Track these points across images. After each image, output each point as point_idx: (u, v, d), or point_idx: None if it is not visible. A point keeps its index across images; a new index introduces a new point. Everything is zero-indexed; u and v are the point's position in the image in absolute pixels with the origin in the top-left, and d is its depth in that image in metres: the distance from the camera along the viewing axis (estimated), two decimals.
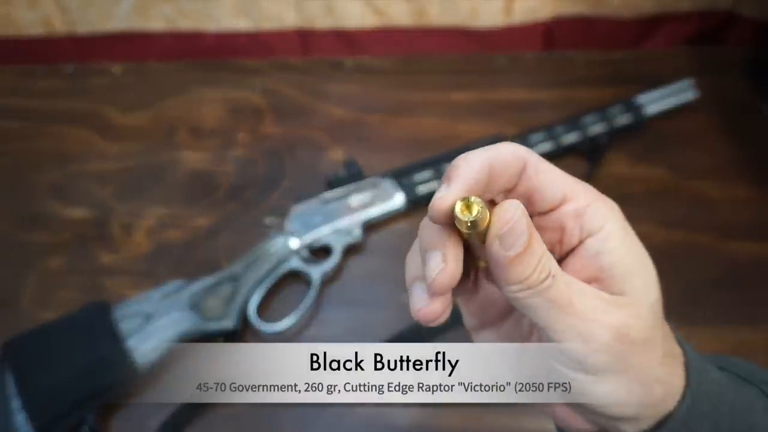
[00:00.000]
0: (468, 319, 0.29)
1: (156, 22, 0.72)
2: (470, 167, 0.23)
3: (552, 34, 0.74)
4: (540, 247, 0.22)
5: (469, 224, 0.22)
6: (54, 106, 0.70)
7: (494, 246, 0.22)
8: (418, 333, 0.55)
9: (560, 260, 0.26)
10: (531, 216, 0.25)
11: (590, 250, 0.25)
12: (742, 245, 0.60)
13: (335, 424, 0.52)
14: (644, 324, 0.23)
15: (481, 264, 0.26)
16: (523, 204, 0.24)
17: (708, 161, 0.66)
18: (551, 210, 0.25)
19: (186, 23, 0.72)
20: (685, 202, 0.63)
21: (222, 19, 0.72)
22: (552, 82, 0.72)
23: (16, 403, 0.48)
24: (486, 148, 0.24)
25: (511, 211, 0.22)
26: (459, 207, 0.22)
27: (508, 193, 0.25)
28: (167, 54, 0.74)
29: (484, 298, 0.28)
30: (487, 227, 0.22)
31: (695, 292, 0.57)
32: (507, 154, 0.24)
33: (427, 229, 0.24)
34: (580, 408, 0.25)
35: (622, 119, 0.65)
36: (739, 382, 0.27)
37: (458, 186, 0.22)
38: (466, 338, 0.56)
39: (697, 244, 0.60)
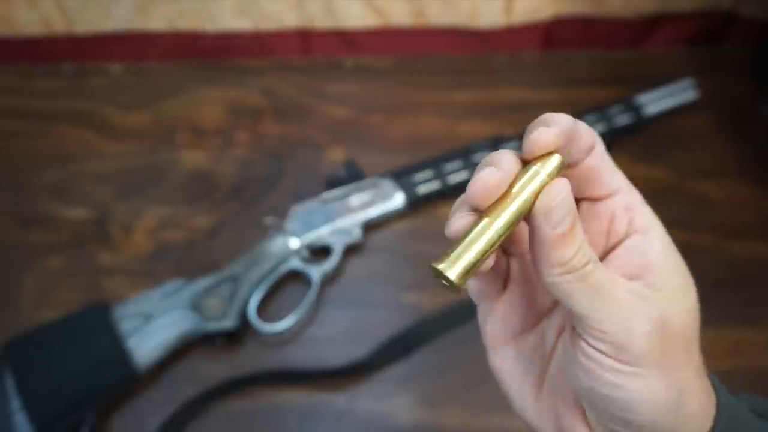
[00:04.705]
0: (492, 330, 0.28)
1: (156, 22, 0.71)
2: (563, 120, 0.23)
3: (552, 34, 0.74)
4: (581, 233, 0.23)
5: (555, 166, 0.23)
6: (54, 106, 0.70)
7: (539, 221, 0.22)
8: (418, 333, 0.55)
9: (605, 254, 0.26)
10: (584, 199, 0.26)
11: (635, 246, 0.25)
12: (742, 245, 0.60)
13: (335, 424, 0.52)
14: (683, 322, 0.23)
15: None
16: (582, 183, 0.25)
17: (708, 161, 0.66)
18: (604, 198, 0.25)
19: (186, 23, 0.72)
20: (686, 202, 0.63)
21: (222, 19, 0.72)
22: (552, 82, 0.72)
23: (16, 403, 0.48)
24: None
25: (560, 186, 0.22)
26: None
27: (572, 167, 0.25)
28: (167, 54, 0.74)
29: (510, 303, 0.28)
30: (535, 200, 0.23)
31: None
32: (585, 130, 0.24)
33: (498, 158, 0.24)
34: (608, 417, 0.24)
35: (622, 119, 0.65)
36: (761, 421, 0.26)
37: (558, 129, 0.23)
38: (464, 340, 0.56)
39: (697, 244, 0.60)
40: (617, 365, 0.23)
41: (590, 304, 0.22)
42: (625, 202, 0.25)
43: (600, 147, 0.25)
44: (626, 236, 0.25)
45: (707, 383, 0.25)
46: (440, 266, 0.23)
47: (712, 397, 0.25)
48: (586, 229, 0.26)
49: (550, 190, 0.22)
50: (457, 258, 0.23)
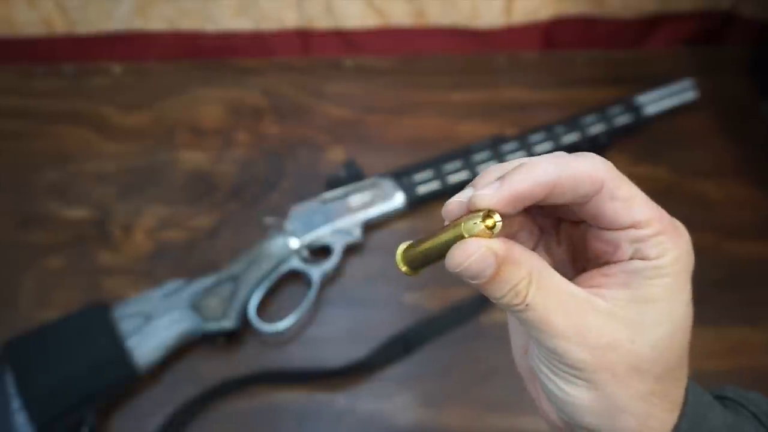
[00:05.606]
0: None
1: (156, 23, 0.71)
2: (532, 179, 0.22)
3: (552, 34, 0.74)
4: (514, 276, 0.22)
5: (464, 234, 0.22)
6: (54, 106, 0.70)
7: (456, 273, 0.22)
8: (418, 333, 0.55)
9: (605, 263, 0.25)
10: (593, 225, 0.25)
11: (633, 266, 0.24)
12: (741, 245, 0.60)
13: (335, 424, 0.52)
14: (632, 351, 0.23)
15: None
16: (589, 218, 0.24)
17: (708, 161, 0.66)
18: (614, 230, 0.24)
19: (186, 23, 0.72)
20: (685, 202, 0.63)
21: (222, 19, 0.72)
22: (552, 82, 0.72)
23: (16, 403, 0.48)
24: (565, 160, 0.22)
25: (467, 253, 0.22)
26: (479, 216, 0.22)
27: (578, 206, 0.24)
28: (167, 54, 0.74)
29: None
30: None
31: (695, 292, 0.56)
32: (583, 176, 0.22)
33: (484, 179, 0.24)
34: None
35: (622, 119, 0.65)
36: (755, 426, 0.26)
37: (506, 194, 0.22)
38: (464, 340, 0.56)
39: (697, 244, 0.59)
40: (551, 366, 0.24)
41: (528, 328, 0.23)
42: (634, 237, 0.23)
43: (610, 190, 0.23)
44: (631, 258, 0.24)
45: (658, 409, 0.24)
46: (397, 258, 0.25)
47: (665, 424, 0.24)
48: (587, 245, 0.25)
49: (459, 250, 0.22)
50: (413, 250, 0.25)
